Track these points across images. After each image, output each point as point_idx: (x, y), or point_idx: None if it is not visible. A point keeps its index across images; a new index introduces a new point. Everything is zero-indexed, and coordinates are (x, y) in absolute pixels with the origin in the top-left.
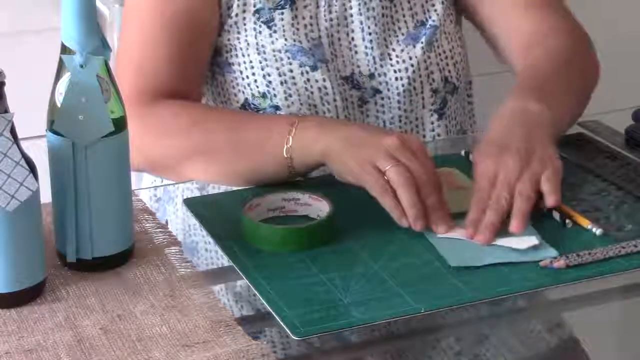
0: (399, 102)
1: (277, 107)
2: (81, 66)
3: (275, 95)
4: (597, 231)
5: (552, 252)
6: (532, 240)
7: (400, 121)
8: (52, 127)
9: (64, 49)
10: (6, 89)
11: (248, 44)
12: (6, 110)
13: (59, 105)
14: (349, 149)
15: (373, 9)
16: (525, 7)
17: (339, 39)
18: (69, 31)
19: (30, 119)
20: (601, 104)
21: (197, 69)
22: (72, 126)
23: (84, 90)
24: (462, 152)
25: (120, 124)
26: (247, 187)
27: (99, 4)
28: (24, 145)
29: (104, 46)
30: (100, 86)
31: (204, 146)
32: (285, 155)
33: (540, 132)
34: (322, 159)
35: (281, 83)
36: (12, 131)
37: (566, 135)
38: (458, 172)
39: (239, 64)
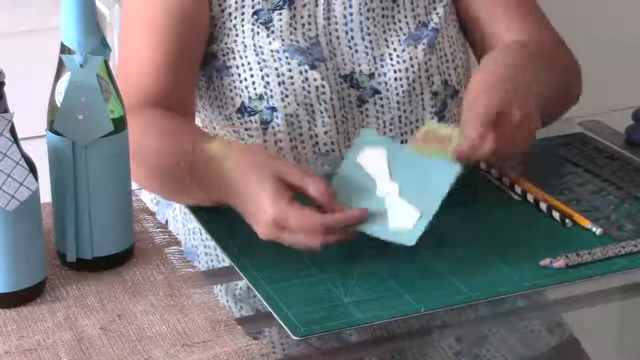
0: (398, 102)
1: (273, 109)
2: (81, 66)
3: (272, 97)
4: (597, 231)
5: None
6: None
7: (400, 122)
8: (52, 127)
9: (64, 49)
10: (6, 89)
11: (245, 45)
12: (6, 110)
13: (58, 105)
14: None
15: (373, 9)
16: (510, 16)
17: (338, 37)
18: (68, 31)
19: (30, 119)
20: (601, 104)
21: (190, 73)
22: (71, 126)
23: (84, 90)
24: None
25: (120, 124)
26: None
27: (99, 4)
28: (24, 145)
29: (103, 46)
30: (100, 86)
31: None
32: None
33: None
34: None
35: (279, 84)
36: (12, 131)
37: (566, 135)
38: (434, 123)
39: (237, 67)
